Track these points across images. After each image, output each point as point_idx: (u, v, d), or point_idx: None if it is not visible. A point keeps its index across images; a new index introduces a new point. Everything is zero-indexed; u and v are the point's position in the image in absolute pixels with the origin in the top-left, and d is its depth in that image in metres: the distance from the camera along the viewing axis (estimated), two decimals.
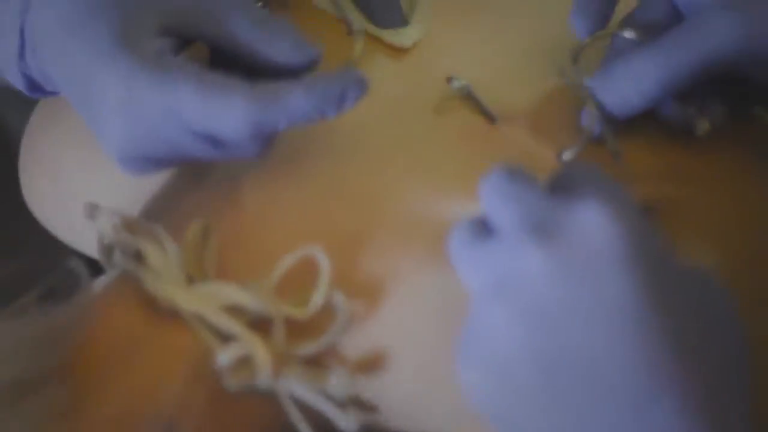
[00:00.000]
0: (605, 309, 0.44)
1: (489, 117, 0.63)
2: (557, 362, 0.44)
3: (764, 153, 0.61)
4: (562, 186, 0.49)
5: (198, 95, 0.53)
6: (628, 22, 0.61)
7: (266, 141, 0.56)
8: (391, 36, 0.67)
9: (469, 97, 0.64)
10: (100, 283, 0.59)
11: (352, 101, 0.55)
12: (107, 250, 0.59)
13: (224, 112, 0.53)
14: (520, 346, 0.45)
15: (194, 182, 0.62)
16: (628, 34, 0.60)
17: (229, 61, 0.58)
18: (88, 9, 0.55)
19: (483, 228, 0.49)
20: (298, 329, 0.55)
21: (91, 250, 0.75)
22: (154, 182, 0.64)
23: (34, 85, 0.62)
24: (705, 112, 0.59)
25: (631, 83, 0.56)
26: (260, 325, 0.55)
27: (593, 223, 0.45)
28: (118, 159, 0.57)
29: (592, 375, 0.44)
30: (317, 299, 0.55)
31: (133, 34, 0.55)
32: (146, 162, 0.58)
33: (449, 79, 0.64)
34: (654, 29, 0.59)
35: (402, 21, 0.68)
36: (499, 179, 0.49)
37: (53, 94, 0.63)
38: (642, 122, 0.59)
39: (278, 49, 0.56)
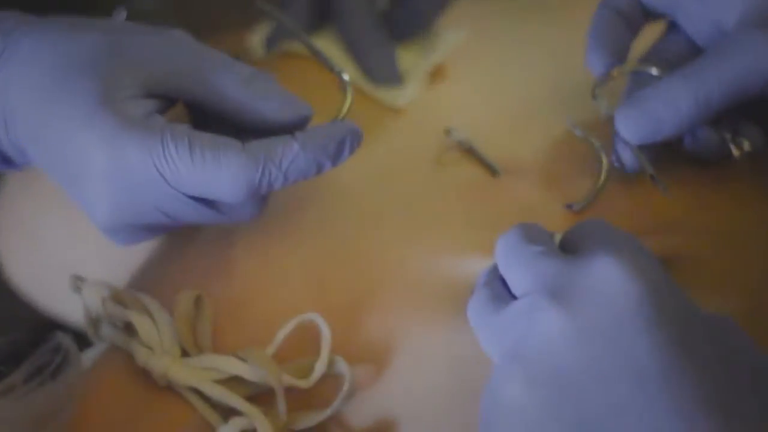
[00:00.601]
0: (629, 369, 0.43)
1: (491, 170, 0.62)
2: (583, 427, 0.43)
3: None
4: (575, 242, 0.48)
5: (190, 156, 0.52)
6: (648, 58, 0.60)
7: (261, 201, 0.55)
8: (385, 95, 0.67)
9: (469, 150, 0.63)
10: (90, 357, 0.57)
11: (348, 153, 0.54)
12: (95, 322, 0.57)
13: (219, 173, 0.52)
14: (543, 416, 0.43)
15: (182, 248, 0.60)
16: (653, 70, 0.59)
17: (214, 122, 0.56)
18: (64, 75, 0.53)
19: (500, 292, 0.49)
20: (300, 398, 0.53)
21: (73, 317, 0.73)
22: (139, 248, 0.62)
23: (4, 159, 0.59)
24: (741, 134, 0.57)
25: (666, 105, 0.55)
26: (260, 396, 0.53)
27: (611, 282, 0.44)
28: (106, 229, 0.55)
29: None
30: (319, 368, 0.53)
31: (116, 96, 0.52)
32: (135, 230, 0.55)
33: (447, 131, 0.63)
34: (676, 65, 0.58)
35: (398, 79, 0.67)
36: (514, 240, 0.48)
37: (24, 166, 0.60)
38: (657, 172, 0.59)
39: (268, 107, 0.54)
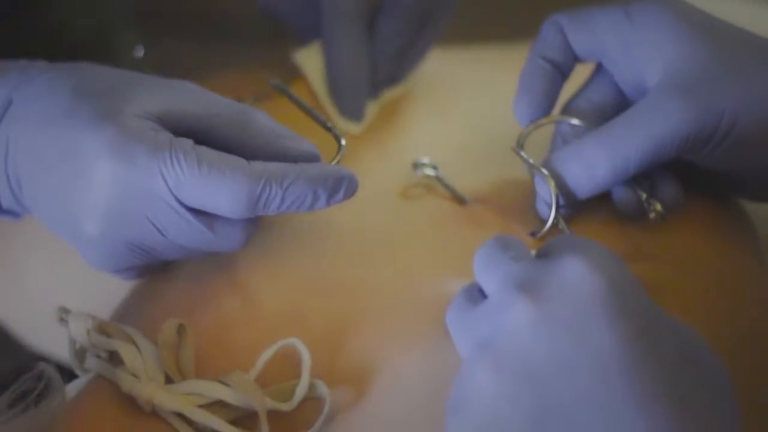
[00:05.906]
0: (593, 359, 0.44)
1: (459, 199, 0.63)
2: (547, 417, 0.44)
3: (727, 229, 0.61)
4: (547, 253, 0.50)
5: (197, 164, 0.53)
6: (572, 107, 0.62)
7: (250, 228, 0.56)
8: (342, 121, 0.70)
9: (436, 182, 0.64)
10: (74, 387, 0.57)
11: (344, 195, 0.56)
12: (80, 353, 0.58)
13: (223, 181, 0.53)
14: (508, 403, 0.45)
15: (163, 284, 0.61)
16: (574, 121, 0.61)
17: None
18: (78, 99, 0.54)
19: (476, 295, 0.50)
20: (282, 421, 0.54)
21: (58, 353, 0.74)
22: (122, 286, 0.63)
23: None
24: (657, 195, 0.59)
25: (583, 170, 0.57)
26: (243, 419, 0.54)
27: (576, 275, 0.46)
28: (91, 242, 0.56)
29: (584, 428, 0.44)
30: (300, 391, 0.54)
31: (127, 112, 0.54)
32: (120, 251, 0.56)
33: (415, 165, 0.65)
34: (600, 114, 0.60)
35: (360, 117, 0.70)
36: (490, 248, 0.50)
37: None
38: (606, 201, 0.60)
39: (282, 150, 0.56)
